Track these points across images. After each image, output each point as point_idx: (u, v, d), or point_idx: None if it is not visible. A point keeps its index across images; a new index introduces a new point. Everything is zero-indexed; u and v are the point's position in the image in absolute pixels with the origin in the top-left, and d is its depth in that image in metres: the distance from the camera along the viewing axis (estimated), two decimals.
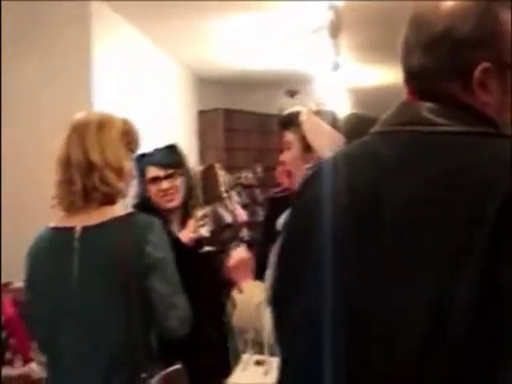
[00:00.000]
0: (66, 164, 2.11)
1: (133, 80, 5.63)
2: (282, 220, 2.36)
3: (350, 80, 7.42)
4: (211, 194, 6.01)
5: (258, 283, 2.46)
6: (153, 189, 3.11)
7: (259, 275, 2.50)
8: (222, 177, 6.69)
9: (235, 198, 6.85)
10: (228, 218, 6.37)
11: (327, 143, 2.30)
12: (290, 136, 2.48)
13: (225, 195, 6.60)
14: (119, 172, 2.13)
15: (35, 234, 2.20)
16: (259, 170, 8.45)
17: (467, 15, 1.13)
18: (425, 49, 1.16)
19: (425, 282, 0.97)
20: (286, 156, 2.49)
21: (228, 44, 6.79)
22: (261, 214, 8.50)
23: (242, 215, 7.07)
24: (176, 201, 3.14)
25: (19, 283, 4.03)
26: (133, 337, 2.04)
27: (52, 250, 2.14)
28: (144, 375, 2.04)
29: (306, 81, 7.76)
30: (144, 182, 3.10)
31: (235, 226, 6.54)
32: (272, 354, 2.25)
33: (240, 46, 6.94)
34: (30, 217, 4.57)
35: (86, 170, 2.09)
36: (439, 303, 0.94)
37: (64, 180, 2.11)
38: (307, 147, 2.35)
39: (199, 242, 2.98)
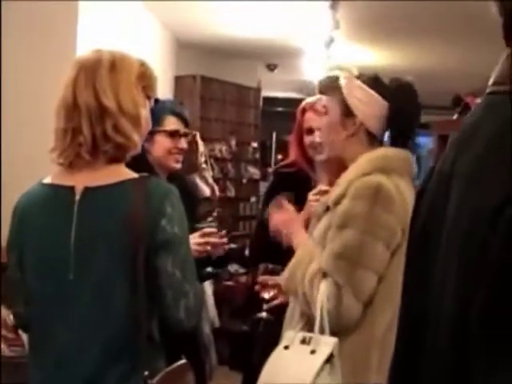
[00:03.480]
0: (73, 109, 1.73)
1: (117, 37, 5.22)
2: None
3: (341, 57, 7.09)
4: (190, 164, 5.69)
5: (313, 246, 2.15)
6: (165, 143, 2.63)
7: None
8: (202, 147, 6.38)
9: (209, 171, 6.48)
10: (206, 192, 6.05)
11: (370, 109, 2.18)
12: (327, 100, 2.28)
13: (204, 166, 6.30)
14: (135, 121, 1.76)
15: (26, 190, 1.81)
16: (233, 143, 8.07)
17: None
18: None
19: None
20: (321, 122, 2.32)
21: (215, 8, 6.35)
22: (231, 190, 8.16)
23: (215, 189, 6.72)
24: (180, 164, 2.68)
25: None
26: (136, 322, 1.68)
27: (46, 211, 1.76)
28: (146, 373, 1.68)
29: (294, 54, 7.40)
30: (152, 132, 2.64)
31: (213, 200, 6.20)
32: (322, 332, 1.93)
33: (227, 11, 6.52)
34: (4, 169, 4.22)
35: (96, 117, 1.71)
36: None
37: (68, 128, 1.73)
38: (347, 112, 2.19)
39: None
